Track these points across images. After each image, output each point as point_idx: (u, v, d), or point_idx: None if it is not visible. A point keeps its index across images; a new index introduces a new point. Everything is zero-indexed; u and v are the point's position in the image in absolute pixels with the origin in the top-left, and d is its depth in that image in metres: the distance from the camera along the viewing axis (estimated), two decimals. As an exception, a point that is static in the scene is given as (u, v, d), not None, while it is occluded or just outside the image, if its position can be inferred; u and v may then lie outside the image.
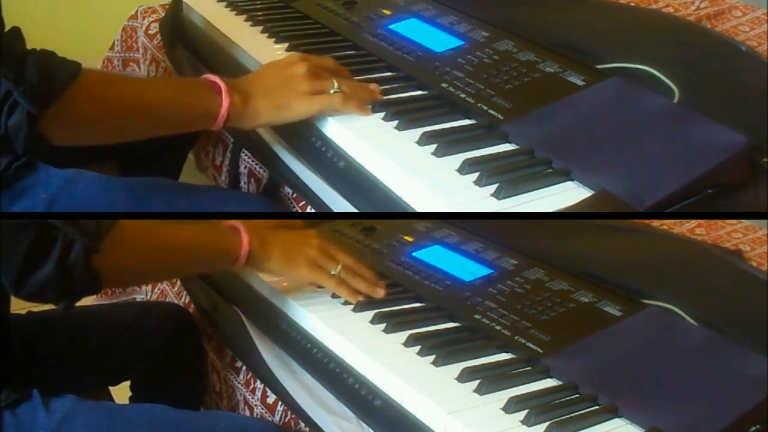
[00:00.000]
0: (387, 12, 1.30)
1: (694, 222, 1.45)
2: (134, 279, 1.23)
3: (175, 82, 1.21)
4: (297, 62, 1.07)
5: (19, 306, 1.09)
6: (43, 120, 0.91)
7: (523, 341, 1.02)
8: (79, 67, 0.94)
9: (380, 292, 1.14)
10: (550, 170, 0.96)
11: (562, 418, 0.87)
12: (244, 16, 1.37)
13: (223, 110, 1.02)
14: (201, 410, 1.32)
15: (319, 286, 1.16)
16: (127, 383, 1.33)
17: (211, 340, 1.31)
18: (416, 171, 0.96)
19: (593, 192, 0.92)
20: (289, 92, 1.04)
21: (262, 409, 1.16)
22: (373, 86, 1.10)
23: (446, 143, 0.99)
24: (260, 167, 1.31)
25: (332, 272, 1.13)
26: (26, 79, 0.90)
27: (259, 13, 1.37)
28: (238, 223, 1.10)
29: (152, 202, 1.16)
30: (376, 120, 1.06)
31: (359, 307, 1.11)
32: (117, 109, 0.99)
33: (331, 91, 1.05)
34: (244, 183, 1.35)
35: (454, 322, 1.10)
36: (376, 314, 1.09)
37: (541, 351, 1.00)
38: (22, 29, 0.94)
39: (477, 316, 1.08)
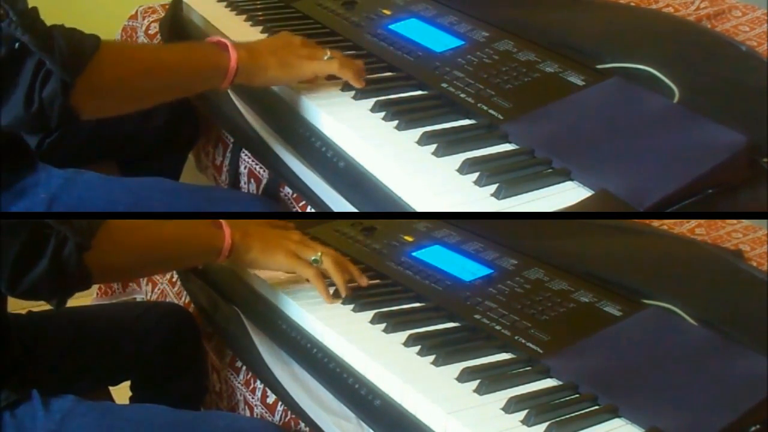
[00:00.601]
0: (387, 12, 1.30)
1: (694, 222, 1.44)
2: (124, 274, 1.27)
3: (184, 45, 1.25)
4: (290, 36, 1.15)
5: (19, 306, 1.09)
6: (75, 89, 0.93)
7: (523, 341, 1.02)
8: (99, 38, 0.97)
9: (363, 283, 1.16)
10: (550, 170, 0.96)
11: (562, 418, 0.87)
12: (244, 16, 1.37)
13: (233, 63, 1.06)
14: (201, 410, 1.32)
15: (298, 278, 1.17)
16: (127, 383, 1.33)
17: (211, 340, 1.31)
18: (416, 171, 0.96)
19: (593, 192, 0.92)
20: (291, 54, 1.10)
21: (262, 409, 1.16)
22: (357, 61, 1.15)
23: (446, 143, 0.99)
24: (260, 167, 1.31)
25: (311, 258, 1.13)
26: (56, 49, 0.92)
27: (259, 13, 1.37)
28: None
29: (152, 202, 1.16)
30: (376, 120, 1.06)
31: (359, 307, 1.11)
32: (138, 73, 1.02)
33: (325, 58, 1.11)
34: (244, 183, 1.35)
35: (454, 322, 1.10)
36: (376, 314, 1.09)
37: (541, 351, 1.00)
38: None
39: (477, 316, 1.08)
